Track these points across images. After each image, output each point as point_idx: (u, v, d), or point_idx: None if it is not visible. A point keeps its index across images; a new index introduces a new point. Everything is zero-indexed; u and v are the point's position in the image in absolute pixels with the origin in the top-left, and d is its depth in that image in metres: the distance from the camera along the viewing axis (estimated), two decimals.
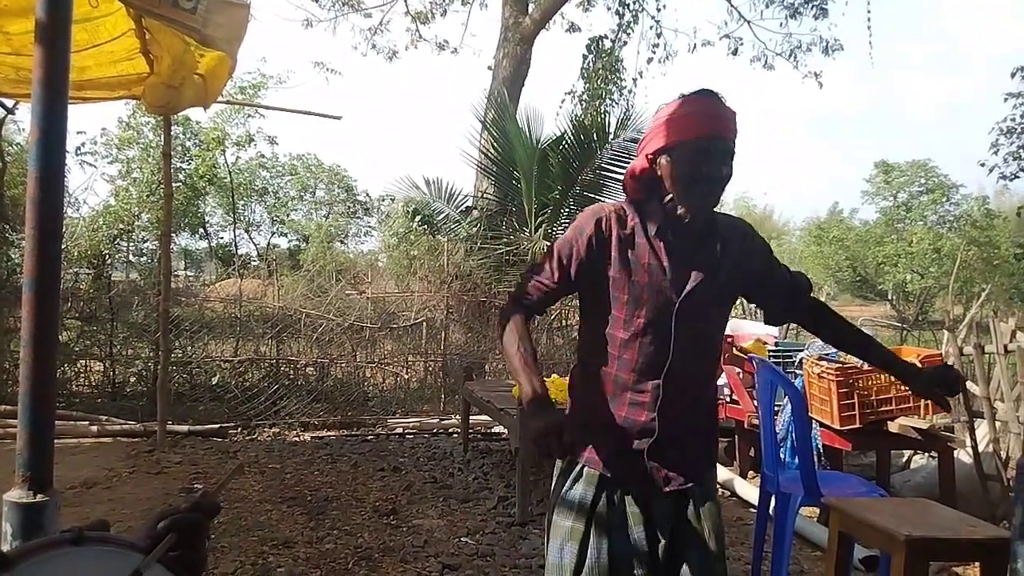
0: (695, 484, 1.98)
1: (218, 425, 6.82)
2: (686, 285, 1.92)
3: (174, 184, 16.56)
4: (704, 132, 1.85)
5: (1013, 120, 13.61)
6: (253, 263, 24.38)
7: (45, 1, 1.95)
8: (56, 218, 1.96)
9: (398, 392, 8.14)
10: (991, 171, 14.25)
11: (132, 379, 7.79)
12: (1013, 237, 24.48)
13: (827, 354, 4.52)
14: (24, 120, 10.63)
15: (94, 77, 5.56)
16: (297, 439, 6.83)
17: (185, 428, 6.66)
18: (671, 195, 1.91)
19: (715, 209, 2.00)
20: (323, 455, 6.14)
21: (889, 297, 26.47)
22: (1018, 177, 14.16)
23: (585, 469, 1.99)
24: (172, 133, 7.33)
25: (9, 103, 7.67)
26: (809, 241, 28.75)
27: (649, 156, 1.93)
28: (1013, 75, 13.34)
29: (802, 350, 4.83)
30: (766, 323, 2.34)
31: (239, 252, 25.84)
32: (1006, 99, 13.67)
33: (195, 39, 4.73)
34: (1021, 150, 13.61)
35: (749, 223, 2.15)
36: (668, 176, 1.90)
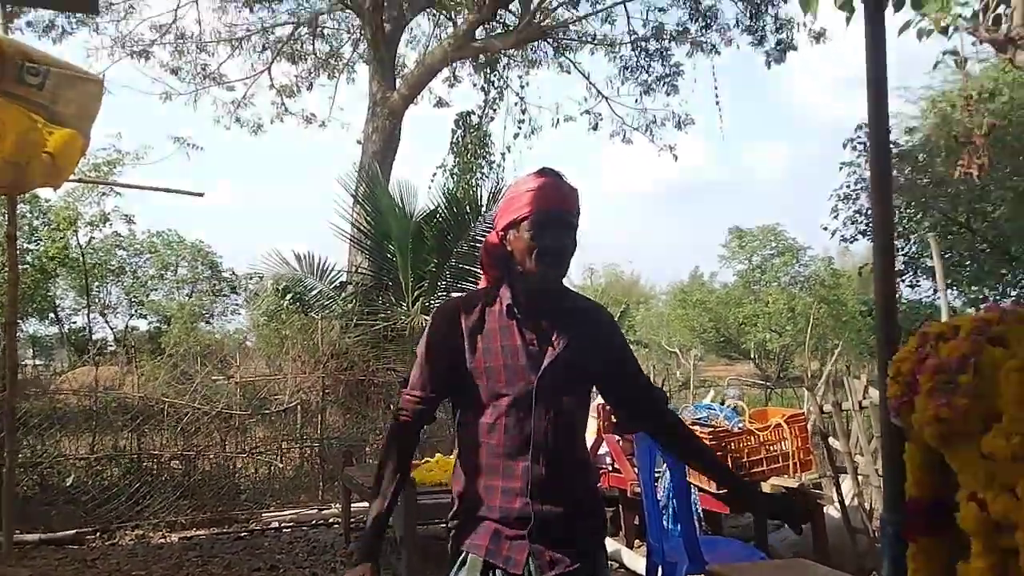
0: (583, 564, 1.97)
1: (74, 531, 6.24)
2: (543, 363, 1.96)
3: (21, 266, 15.49)
4: (544, 206, 1.94)
5: (848, 187, 14.85)
6: (110, 348, 22.92)
7: None
8: None
9: (272, 483, 7.75)
10: (833, 234, 15.41)
11: None
12: (857, 294, 26.46)
13: (699, 418, 4.67)
14: None
15: None
16: (163, 541, 6.34)
17: (36, 537, 6.06)
18: (520, 269, 1.99)
19: (571, 290, 2.14)
20: (193, 558, 5.73)
21: (752, 356, 27.85)
22: (857, 240, 15.38)
23: (469, 556, 1.96)
24: (18, 212, 6.86)
25: None
26: (674, 304, 29.98)
27: (499, 232, 2.02)
28: (844, 145, 14.61)
29: (677, 413, 4.96)
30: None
31: (94, 337, 24.24)
32: (841, 167, 14.93)
33: (43, 116, 4.51)
34: (857, 214, 14.81)
35: (609, 313, 2.22)
36: (516, 250, 1.97)
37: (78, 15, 11.41)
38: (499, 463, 1.96)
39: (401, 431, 2.08)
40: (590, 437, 5.70)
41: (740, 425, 4.42)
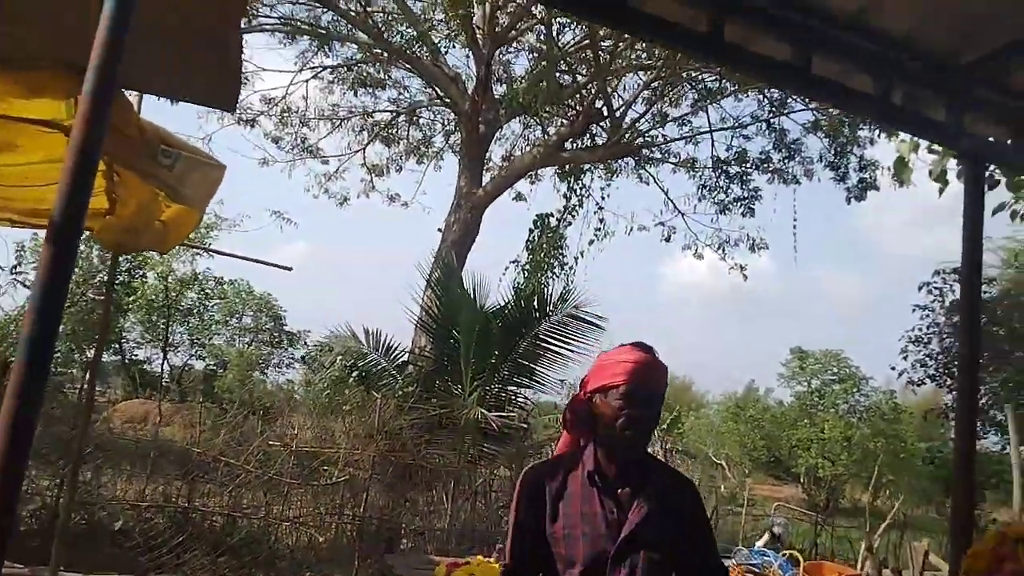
0: None
1: None
2: (619, 534, 1.99)
3: (93, 296, 16.17)
4: (637, 380, 2.03)
5: (920, 330, 14.60)
6: (165, 383, 23.47)
7: (76, 153, 2.01)
8: (46, 360, 1.90)
9: (310, 554, 7.77)
10: (900, 375, 15.07)
11: (25, 515, 7.25)
12: (917, 433, 25.54)
13: (753, 564, 4.58)
14: None
15: (52, 207, 5.53)
16: None
17: None
18: (604, 433, 2.06)
19: (657, 460, 2.19)
20: None
21: (801, 480, 26.95)
22: (924, 384, 15.01)
23: None
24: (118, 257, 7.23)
25: None
26: (726, 416, 29.37)
27: (587, 393, 2.11)
28: (920, 288, 14.45)
29: (730, 556, 4.89)
30: None
31: (152, 370, 24.94)
32: (914, 310, 14.71)
33: (167, 193, 4.83)
34: (927, 358, 14.50)
35: (694, 488, 2.24)
36: (603, 414, 2.05)
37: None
38: None
39: None
40: None
41: None
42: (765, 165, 12.86)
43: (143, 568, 6.68)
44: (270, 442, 8.22)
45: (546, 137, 12.66)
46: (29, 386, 1.87)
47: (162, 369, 24.59)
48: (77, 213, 2.04)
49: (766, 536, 5.95)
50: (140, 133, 4.20)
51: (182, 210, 5.10)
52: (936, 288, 13.72)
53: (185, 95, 4.77)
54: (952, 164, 3.45)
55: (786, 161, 12.81)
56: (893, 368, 15.10)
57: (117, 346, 25.94)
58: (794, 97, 11.69)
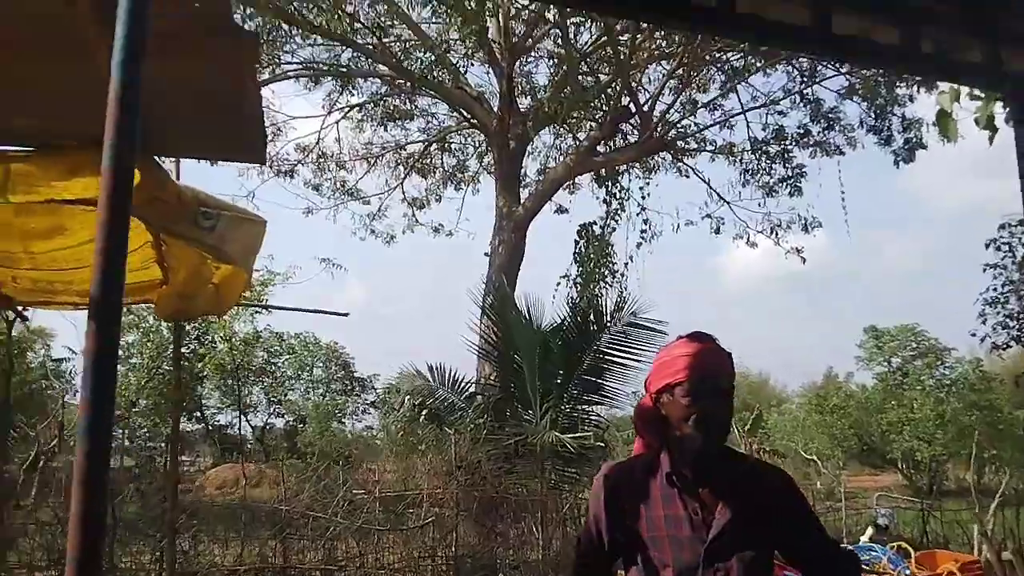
0: None
1: None
2: (707, 535, 1.91)
3: (169, 369, 16.60)
4: (700, 372, 1.93)
5: (995, 290, 13.97)
6: (249, 446, 23.99)
7: (103, 229, 2.03)
8: (105, 446, 1.91)
9: None
10: (982, 340, 14.44)
11: None
12: (1012, 400, 24.38)
13: (862, 561, 4.37)
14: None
15: None
16: None
17: None
18: (676, 434, 1.96)
19: (739, 453, 2.11)
20: None
21: (899, 465, 25.96)
22: (1009, 347, 14.32)
23: None
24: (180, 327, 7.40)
25: (21, 309, 7.83)
26: (810, 409, 28.51)
27: (652, 395, 2.02)
28: (987, 246, 13.82)
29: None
30: None
31: (236, 433, 25.50)
32: (985, 269, 14.07)
33: (211, 255, 4.91)
34: (1008, 319, 13.86)
35: (783, 477, 2.11)
36: (671, 415, 1.96)
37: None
38: None
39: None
40: None
41: (907, 571, 4.10)
42: (805, 140, 12.53)
43: None
44: (354, 491, 8.25)
45: (577, 144, 12.59)
46: (94, 473, 1.87)
47: (239, 431, 25.11)
48: (114, 287, 2.04)
49: (870, 530, 5.68)
50: (178, 199, 4.29)
51: (232, 270, 5.19)
52: (1004, 243, 13.11)
53: (215, 154, 4.87)
54: (999, 108, 3.24)
55: (826, 132, 12.47)
56: (974, 334, 14.47)
57: (199, 414, 26.65)
58: (823, 63, 11.39)
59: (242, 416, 27.79)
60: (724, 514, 1.92)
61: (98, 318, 2.08)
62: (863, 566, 4.22)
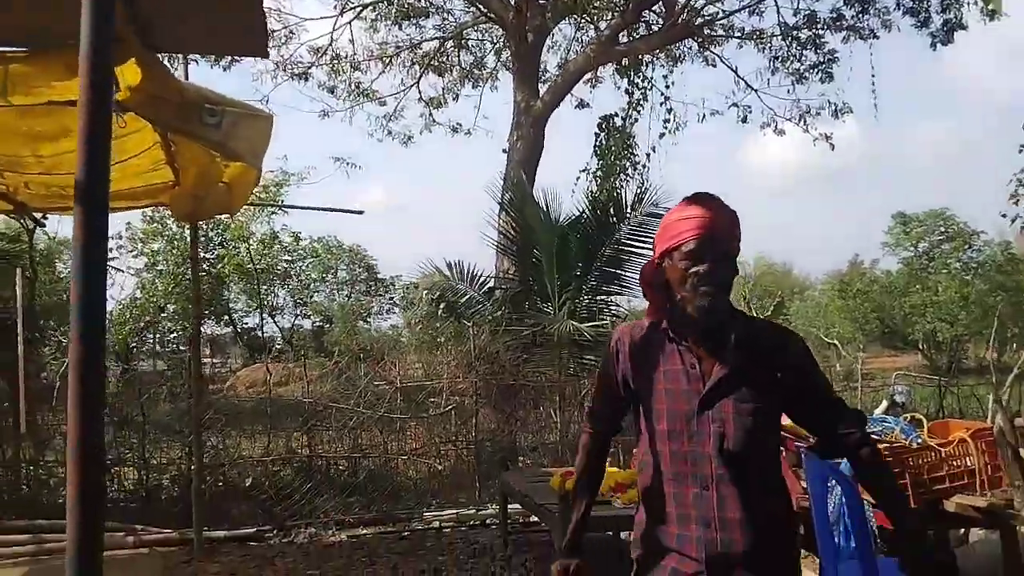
0: None
1: (254, 529, 6.72)
2: (703, 388, 1.93)
3: (199, 274, 16.85)
4: (701, 234, 1.91)
5: None
6: (278, 346, 24.53)
7: (85, 127, 2.01)
8: (99, 325, 1.93)
9: (432, 482, 8.03)
10: (1013, 221, 14.12)
11: (166, 483, 7.74)
12: None
13: (873, 432, 4.40)
14: (48, 227, 10.94)
15: (121, 189, 5.69)
16: (333, 539, 6.70)
17: (221, 534, 6.56)
18: (677, 295, 1.96)
19: (744, 315, 2.07)
20: (361, 557, 6.02)
21: (920, 346, 26.08)
22: None
23: None
24: (197, 228, 7.45)
25: (38, 216, 7.89)
26: (833, 295, 28.51)
27: (655, 260, 2.02)
28: None
29: None
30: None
31: (264, 336, 26.01)
32: (1021, 149, 13.63)
33: (219, 152, 4.85)
34: None
35: (791, 337, 2.10)
36: (672, 278, 1.96)
37: None
38: (670, 490, 1.96)
39: (586, 444, 2.25)
40: None
41: (919, 440, 4.13)
42: (838, 23, 11.98)
43: (279, 518, 7.04)
44: (375, 382, 8.44)
45: (599, 34, 12.13)
46: (89, 351, 1.88)
47: (261, 329, 25.56)
48: (99, 176, 2.01)
49: (884, 403, 5.72)
50: (181, 96, 4.20)
51: (241, 168, 5.15)
52: None
53: (215, 48, 4.76)
54: None
55: (860, 16, 11.89)
56: (1004, 215, 14.13)
57: (227, 317, 27.13)
58: None
59: (269, 318, 28.25)
60: (722, 368, 1.94)
61: (85, 205, 2.07)
62: (875, 436, 4.25)
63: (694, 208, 1.96)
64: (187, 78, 6.07)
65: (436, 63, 13.94)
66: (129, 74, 3.94)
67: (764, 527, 1.92)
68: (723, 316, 1.97)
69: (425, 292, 10.84)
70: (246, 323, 28.85)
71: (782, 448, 5.26)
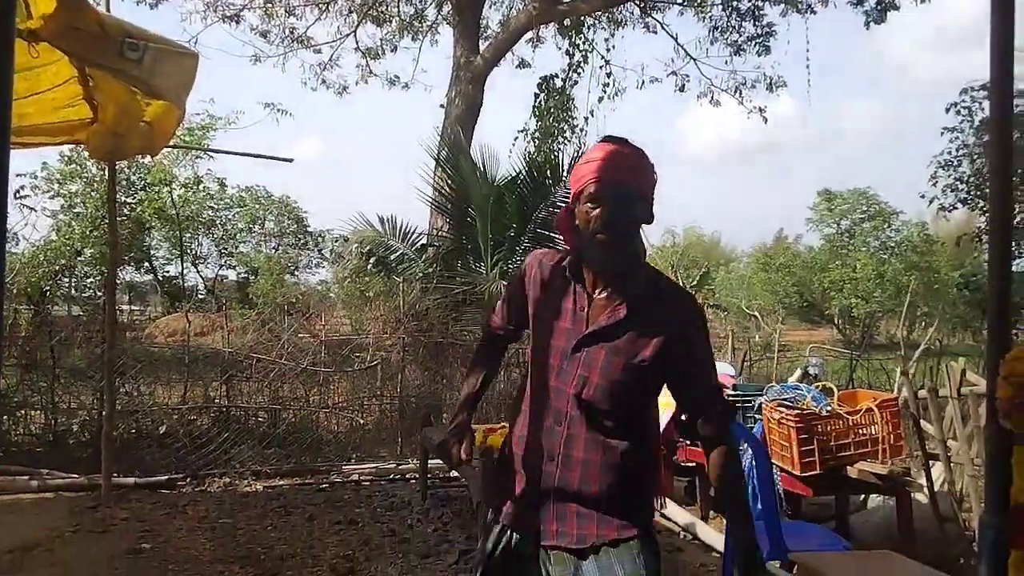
0: (593, 546, 1.91)
1: (166, 477, 6.57)
2: (583, 331, 1.95)
3: (119, 219, 16.22)
4: (600, 177, 1.91)
5: (950, 154, 14.16)
6: (200, 296, 23.88)
7: None
8: None
9: (353, 437, 7.98)
10: (931, 202, 14.76)
11: (75, 428, 7.48)
12: (951, 262, 25.29)
13: (786, 399, 4.55)
14: None
15: (35, 123, 5.41)
16: (249, 489, 6.62)
17: (131, 481, 6.39)
18: (584, 241, 1.97)
19: (654, 271, 2.05)
20: (276, 507, 5.95)
21: (835, 321, 27.07)
22: (956, 208, 14.70)
23: (499, 519, 2.06)
24: (117, 168, 7.13)
25: None
26: (756, 268, 29.29)
27: (570, 205, 2.02)
28: (947, 110, 13.91)
29: (761, 394, 4.86)
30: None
31: (186, 286, 25.28)
32: (942, 133, 14.20)
33: (141, 89, 4.63)
34: (958, 182, 14.13)
35: (690, 303, 2.02)
36: (580, 222, 1.96)
37: None
38: (535, 416, 2.01)
39: (485, 340, 2.34)
40: (668, 411, 5.65)
41: (828, 408, 4.29)
42: None
43: (193, 467, 6.90)
44: (299, 334, 8.30)
45: None
46: None
47: (183, 277, 24.85)
48: None
49: (799, 372, 5.92)
50: (101, 28, 3.97)
51: (163, 106, 4.93)
52: (964, 108, 13.20)
53: None
54: None
55: None
56: (923, 196, 14.79)
57: (148, 264, 26.24)
58: None
59: (192, 266, 27.45)
60: (607, 315, 1.94)
61: None
62: (787, 403, 4.40)
63: (598, 151, 1.96)
64: (108, 11, 5.76)
65: (375, 12, 13.54)
66: (42, 2, 3.70)
67: (609, 474, 1.93)
68: (616, 263, 1.97)
69: (356, 246, 10.65)
70: (167, 271, 27.98)
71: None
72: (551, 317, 2.01)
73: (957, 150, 13.99)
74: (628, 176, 1.93)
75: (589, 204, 1.91)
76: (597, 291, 1.99)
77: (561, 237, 2.13)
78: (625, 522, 1.93)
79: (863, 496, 5.53)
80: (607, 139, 1.99)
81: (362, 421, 8.17)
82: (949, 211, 15.05)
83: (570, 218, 2.01)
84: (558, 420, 1.95)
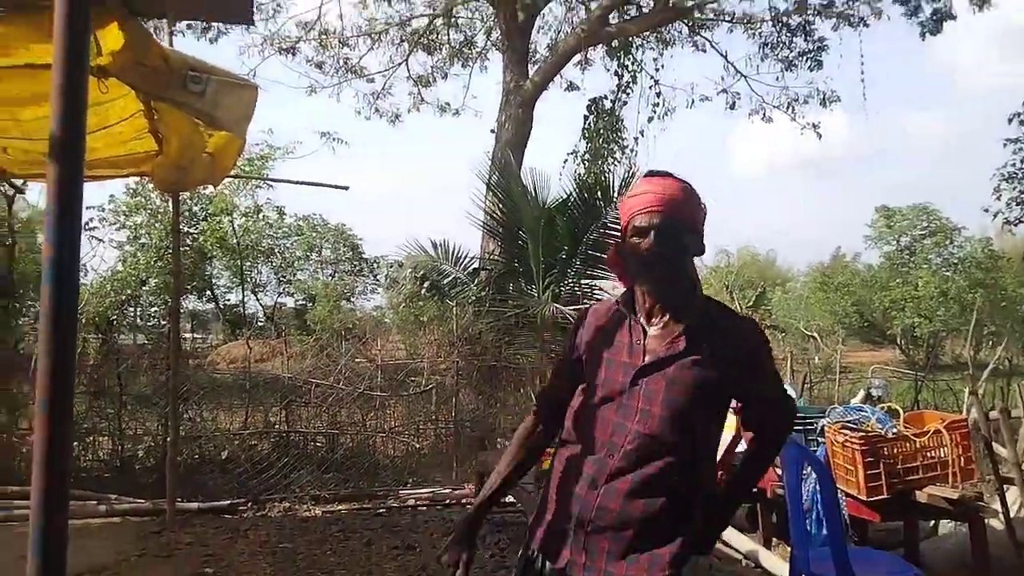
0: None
1: (228, 502, 6.69)
2: (640, 362, 1.93)
3: (182, 249, 16.72)
4: (643, 210, 1.92)
5: (1014, 166, 13.74)
6: (260, 323, 24.38)
7: (61, 90, 1.97)
8: (72, 295, 1.91)
9: (409, 461, 8.02)
10: (995, 216, 14.30)
11: (141, 454, 7.69)
12: (1018, 278, 24.42)
13: (850, 421, 4.43)
14: (31, 197, 10.85)
15: (103, 156, 5.61)
16: (308, 514, 6.70)
17: (195, 506, 6.53)
18: (633, 272, 2.00)
19: (712, 301, 2.04)
20: (335, 532, 6.01)
21: (898, 342, 26.30)
22: (1022, 222, 14.21)
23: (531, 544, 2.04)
24: (180, 199, 7.36)
25: (18, 183, 7.77)
26: (814, 287, 28.68)
27: (619, 239, 2.04)
28: (1011, 120, 13.51)
29: (823, 416, 4.74)
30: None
31: (246, 313, 25.84)
32: (1005, 144, 13.79)
33: (203, 121, 4.78)
34: (1022, 195, 13.68)
35: (751, 329, 2.03)
36: (628, 255, 1.97)
37: None
38: (585, 445, 1.97)
39: (525, 425, 2.20)
40: (729, 433, 5.55)
41: (894, 430, 4.16)
42: (828, 10, 11.96)
43: (254, 491, 7.01)
44: (356, 359, 8.41)
45: (589, 14, 12.05)
46: (60, 306, 1.85)
47: (243, 305, 25.40)
48: (74, 138, 1.98)
49: (862, 393, 5.76)
50: (165, 62, 4.12)
51: (225, 137, 5.08)
52: None
53: (199, 12, 4.67)
54: None
55: (851, 3, 11.88)
56: (987, 210, 14.34)
57: (209, 293, 26.93)
58: None
59: (252, 295, 28.04)
60: (664, 348, 1.92)
61: (59, 165, 2.04)
62: (852, 425, 4.28)
63: (644, 185, 1.99)
64: (172, 46, 5.98)
65: (425, 41, 13.80)
66: (110, 39, 3.86)
67: (654, 504, 1.87)
68: (670, 294, 1.97)
69: (409, 271, 10.77)
70: (228, 299, 28.66)
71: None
72: (607, 355, 1.99)
73: (1021, 162, 13.56)
74: (675, 207, 1.94)
75: (637, 237, 1.93)
76: (652, 324, 1.98)
77: (615, 273, 2.13)
78: (657, 562, 1.86)
79: (933, 522, 5.34)
80: (652, 173, 2.02)
81: (418, 445, 8.21)
82: (1015, 224, 14.57)
83: (620, 254, 2.04)
84: (611, 452, 1.91)
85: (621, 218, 2.03)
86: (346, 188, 7.15)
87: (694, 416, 1.91)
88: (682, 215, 1.95)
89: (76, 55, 2.01)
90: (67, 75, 1.98)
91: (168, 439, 6.30)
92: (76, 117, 2.02)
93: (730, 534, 5.36)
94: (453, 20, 13.93)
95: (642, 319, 1.99)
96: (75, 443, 7.48)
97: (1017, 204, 13.90)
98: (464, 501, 7.00)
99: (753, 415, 2.08)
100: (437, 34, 13.96)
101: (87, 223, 13.07)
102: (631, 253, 1.96)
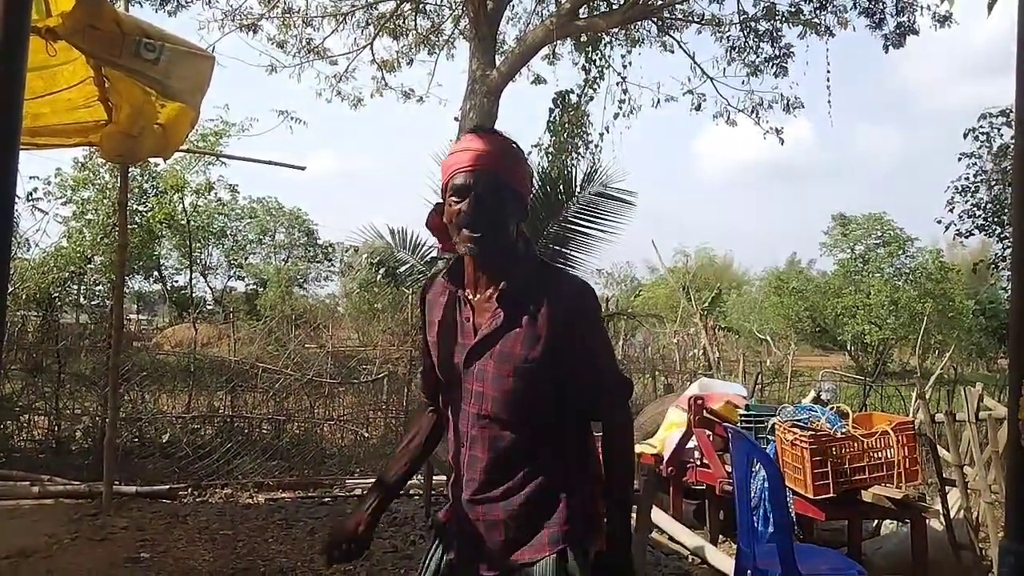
0: (507, 570, 1.80)
1: (167, 487, 6.48)
2: (471, 341, 1.81)
3: (130, 227, 16.28)
4: (464, 169, 1.76)
5: (967, 179, 14.06)
6: (209, 307, 23.92)
7: None
8: (2, 263, 1.78)
9: (357, 450, 7.88)
10: (947, 228, 14.62)
11: (78, 435, 7.43)
12: (966, 290, 25.08)
13: (800, 419, 4.45)
14: None
15: (50, 124, 5.40)
16: (251, 501, 6.52)
17: (133, 489, 6.31)
18: (453, 240, 1.82)
19: (537, 262, 1.88)
20: (278, 520, 5.86)
21: (848, 348, 26.82)
22: (973, 234, 14.59)
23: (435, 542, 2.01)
24: (129, 176, 7.12)
25: None
26: (769, 291, 29.11)
27: (441, 203, 1.86)
28: (966, 135, 13.82)
29: (774, 415, 4.75)
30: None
31: (194, 296, 25.34)
32: (960, 158, 14.11)
33: (156, 90, 4.61)
34: (975, 208, 14.03)
35: (579, 289, 1.83)
36: (447, 219, 1.81)
37: None
38: (451, 441, 1.90)
39: (420, 410, 2.11)
40: (678, 431, 5.55)
41: (843, 430, 4.18)
42: (796, 17, 12.06)
43: (195, 477, 6.82)
44: (306, 345, 8.24)
45: (558, 6, 11.97)
46: None
47: (191, 287, 24.88)
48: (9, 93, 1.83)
49: (811, 395, 5.81)
50: (118, 26, 3.95)
51: (177, 109, 4.90)
52: (983, 133, 13.09)
53: None
54: None
55: (818, 12, 12.00)
56: (939, 221, 14.65)
57: (157, 274, 26.34)
58: None
59: (201, 277, 27.51)
60: (490, 322, 1.79)
61: None
62: (801, 424, 4.29)
63: (465, 142, 1.83)
64: (127, 10, 5.76)
65: (391, 25, 13.56)
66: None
67: (514, 496, 1.79)
68: (490, 261, 1.80)
69: (365, 256, 10.61)
70: (176, 281, 28.10)
71: (709, 432, 5.27)
72: (442, 336, 1.86)
73: (975, 176, 13.92)
74: (496, 165, 1.78)
75: (456, 197, 1.77)
76: (478, 296, 1.83)
77: (438, 240, 1.94)
78: (536, 544, 1.77)
79: (876, 522, 5.40)
80: (472, 130, 1.87)
81: (367, 435, 8.08)
82: (966, 237, 14.92)
83: (440, 217, 1.85)
84: (461, 442, 1.83)
85: (441, 178, 1.84)
86: (303, 168, 6.98)
87: (527, 393, 1.77)
88: (503, 174, 1.79)
89: (17, 15, 1.86)
90: (7, 36, 1.82)
91: (107, 420, 6.09)
92: (13, 83, 1.87)
93: (677, 529, 5.35)
94: (421, 5, 13.73)
95: (468, 292, 1.84)
96: (8, 422, 7.21)
97: (969, 217, 14.24)
98: (412, 492, 6.90)
99: (584, 395, 1.83)
100: (404, 19, 13.73)
101: (31, 193, 12.60)
102: (450, 216, 1.78)
